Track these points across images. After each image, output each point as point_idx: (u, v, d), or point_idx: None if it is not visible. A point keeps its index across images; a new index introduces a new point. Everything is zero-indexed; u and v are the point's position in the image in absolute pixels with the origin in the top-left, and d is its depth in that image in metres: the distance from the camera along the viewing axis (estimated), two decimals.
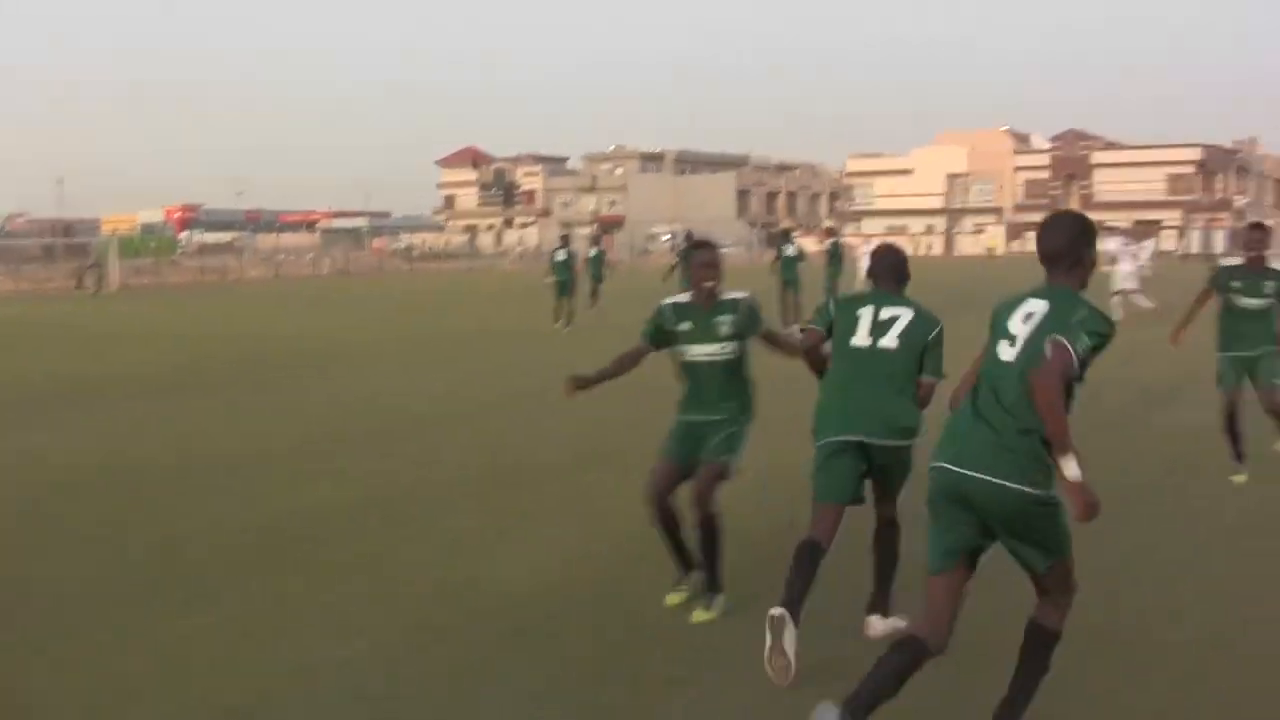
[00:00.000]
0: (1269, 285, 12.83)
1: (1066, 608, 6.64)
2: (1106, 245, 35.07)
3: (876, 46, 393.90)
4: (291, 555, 10.58)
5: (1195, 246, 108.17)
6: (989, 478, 6.25)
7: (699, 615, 8.76)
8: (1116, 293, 35.54)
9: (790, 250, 34.95)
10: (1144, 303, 35.60)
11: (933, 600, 6.52)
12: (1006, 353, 6.42)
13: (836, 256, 36.89)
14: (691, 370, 9.02)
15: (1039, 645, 6.63)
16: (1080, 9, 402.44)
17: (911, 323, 8.20)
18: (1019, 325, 6.42)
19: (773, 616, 7.56)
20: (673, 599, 9.10)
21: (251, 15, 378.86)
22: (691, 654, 8.07)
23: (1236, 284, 13.02)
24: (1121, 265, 36.77)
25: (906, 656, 6.34)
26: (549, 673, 7.78)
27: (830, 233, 41.97)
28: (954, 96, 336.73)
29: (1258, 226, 13.36)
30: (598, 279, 38.85)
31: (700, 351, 8.88)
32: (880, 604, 8.51)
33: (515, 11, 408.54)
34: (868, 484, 8.32)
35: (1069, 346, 6.15)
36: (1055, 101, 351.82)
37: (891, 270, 8.57)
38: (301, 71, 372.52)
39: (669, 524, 9.00)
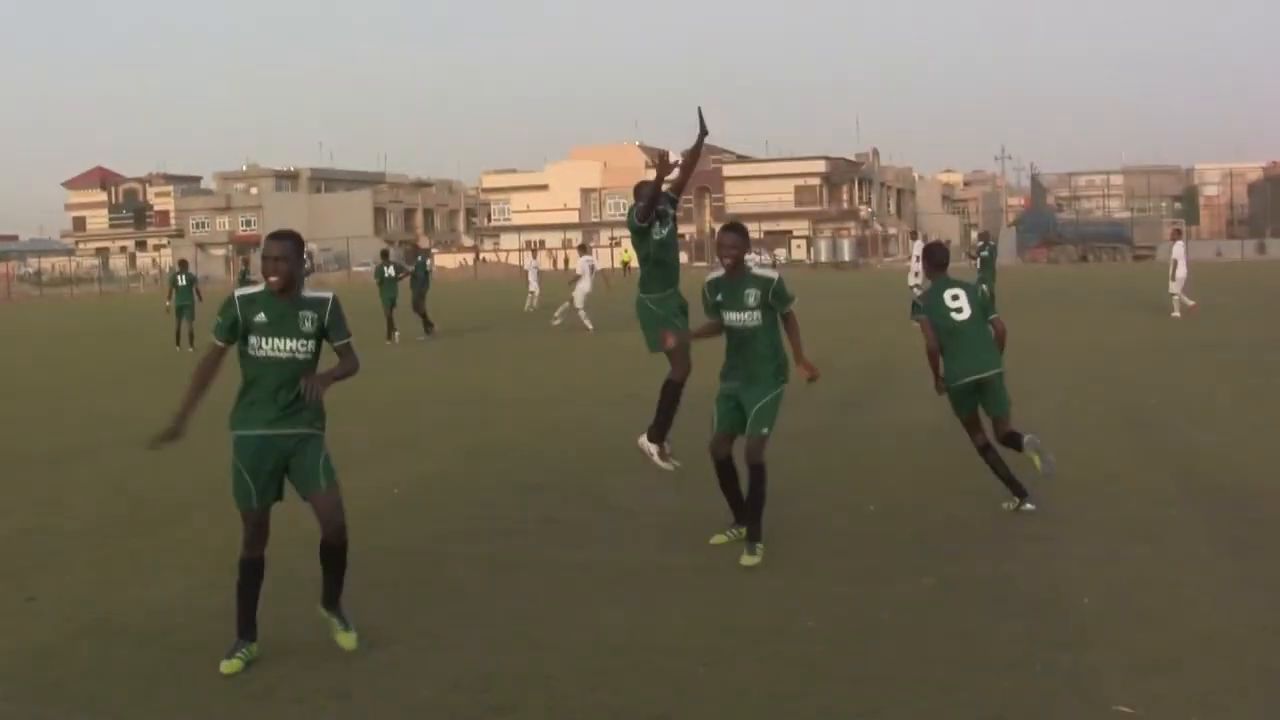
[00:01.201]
0: (751, 295, 10.42)
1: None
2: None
3: (509, 62, 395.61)
4: None
5: (824, 255, 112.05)
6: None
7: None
8: None
9: (389, 271, 38.20)
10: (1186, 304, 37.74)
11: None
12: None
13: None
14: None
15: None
16: (714, 30, 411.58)
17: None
18: None
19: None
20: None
21: None
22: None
23: (720, 299, 10.62)
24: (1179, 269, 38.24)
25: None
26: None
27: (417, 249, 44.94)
28: (587, 113, 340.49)
29: (730, 228, 10.79)
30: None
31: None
32: None
33: (139, 26, 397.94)
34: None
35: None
36: (687, 118, 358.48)
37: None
38: None
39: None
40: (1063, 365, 24.51)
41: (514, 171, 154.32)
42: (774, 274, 10.68)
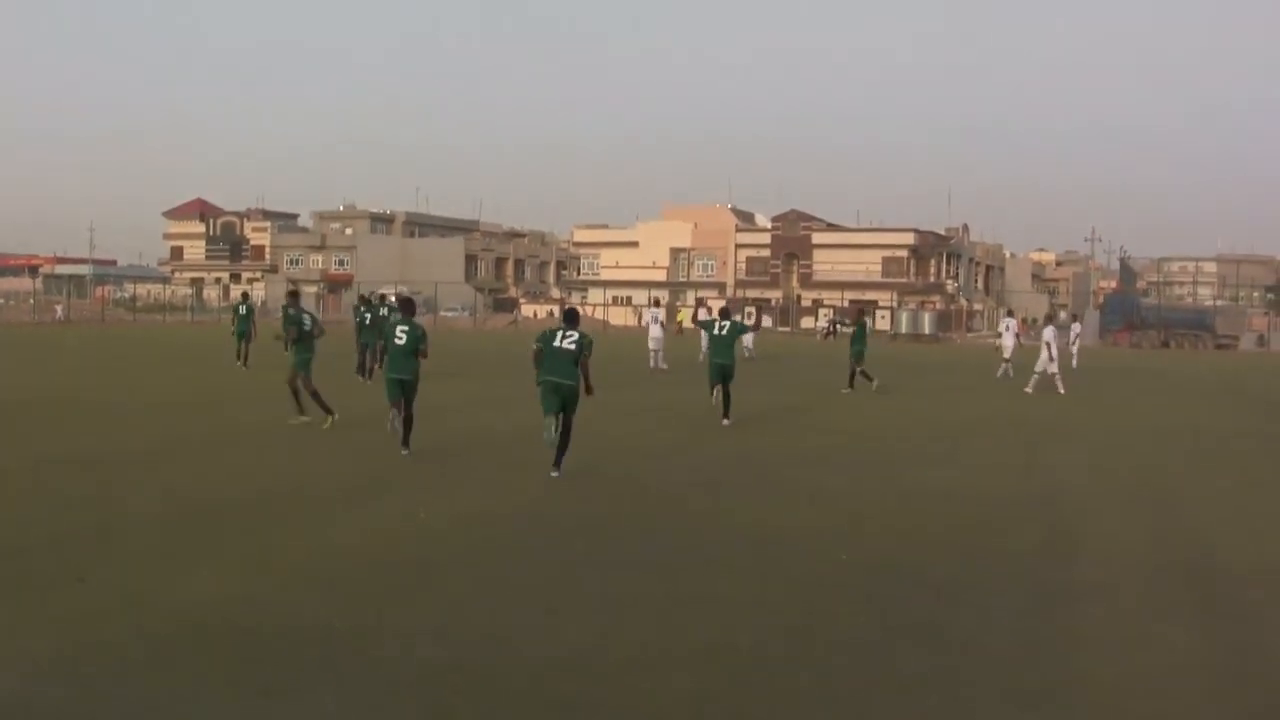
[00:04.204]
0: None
1: None
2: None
3: (607, 118, 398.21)
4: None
5: (905, 326, 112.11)
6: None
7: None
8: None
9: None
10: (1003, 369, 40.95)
11: None
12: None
13: None
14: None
15: None
16: (811, 96, 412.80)
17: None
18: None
19: None
20: None
21: None
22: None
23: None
24: (1006, 339, 42.50)
25: None
26: None
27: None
28: (680, 172, 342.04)
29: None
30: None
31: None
32: None
33: (249, 65, 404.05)
34: None
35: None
36: (779, 183, 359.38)
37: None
38: (28, 114, 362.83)
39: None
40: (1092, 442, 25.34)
41: (605, 227, 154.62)
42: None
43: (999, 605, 11.52)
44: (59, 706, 8.27)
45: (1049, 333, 41.02)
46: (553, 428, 18.57)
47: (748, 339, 48.89)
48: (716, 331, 28.87)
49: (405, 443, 21.18)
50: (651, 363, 47.28)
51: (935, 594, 11.82)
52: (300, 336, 25.24)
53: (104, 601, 10.80)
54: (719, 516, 15.95)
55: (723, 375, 28.19)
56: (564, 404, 18.75)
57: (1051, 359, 39.89)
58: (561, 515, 15.75)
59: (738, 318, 36.46)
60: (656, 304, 45.60)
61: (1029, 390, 38.36)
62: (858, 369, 37.30)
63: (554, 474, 18.67)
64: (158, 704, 8.31)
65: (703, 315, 39.73)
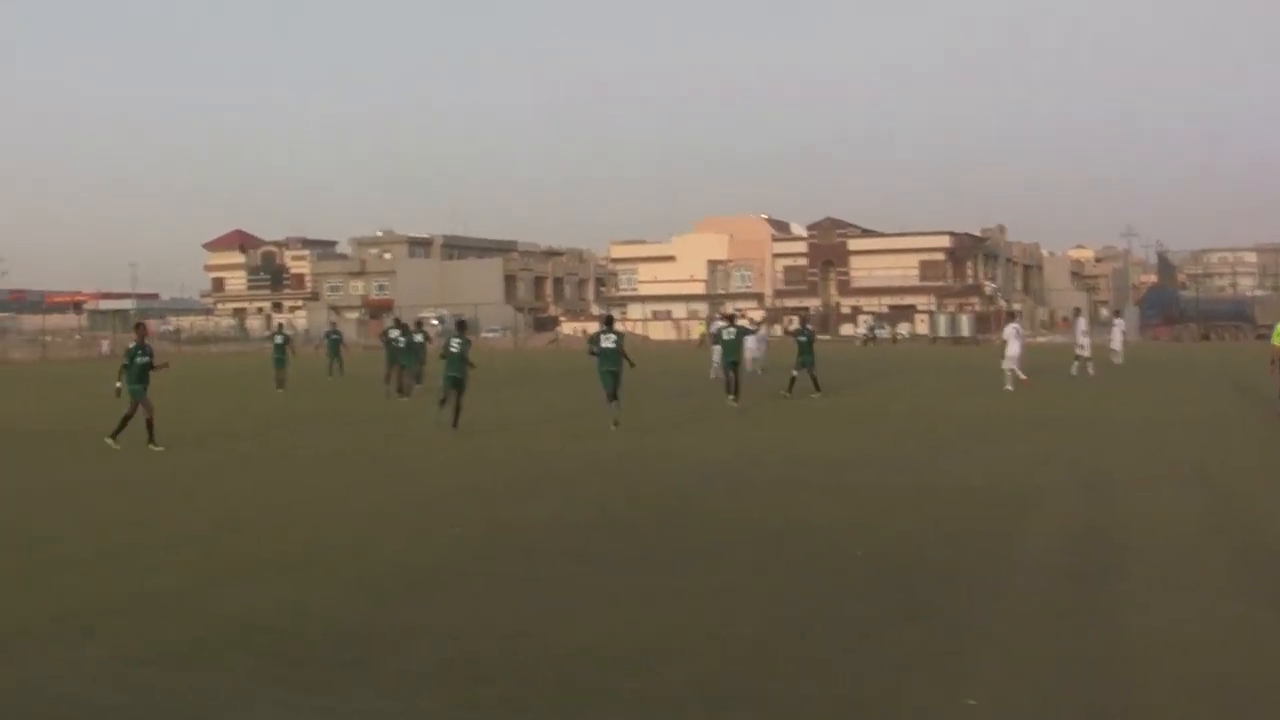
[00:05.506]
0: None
1: None
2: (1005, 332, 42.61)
3: (640, 132, 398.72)
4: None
5: (943, 330, 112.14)
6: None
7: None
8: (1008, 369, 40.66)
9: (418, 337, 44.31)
10: (1019, 377, 40.37)
11: None
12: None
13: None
14: None
15: None
16: (844, 103, 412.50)
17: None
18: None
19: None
20: None
21: (10, 86, 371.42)
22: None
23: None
24: (1010, 347, 41.25)
25: None
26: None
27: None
28: (714, 184, 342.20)
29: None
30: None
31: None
32: None
33: (281, 95, 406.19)
34: None
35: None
36: (812, 190, 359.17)
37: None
38: (66, 148, 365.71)
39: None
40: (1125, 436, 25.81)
41: (642, 242, 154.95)
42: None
43: (1012, 589, 12.04)
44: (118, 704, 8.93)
45: (1083, 323, 47.24)
46: (610, 398, 29.42)
47: (758, 351, 50.57)
48: (725, 337, 37.36)
49: (454, 424, 28.80)
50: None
51: (943, 580, 12.32)
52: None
53: (159, 609, 11.60)
54: (738, 513, 16.59)
55: (733, 366, 36.67)
56: (615, 382, 29.47)
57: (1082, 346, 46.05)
58: (581, 518, 16.45)
59: (742, 322, 41.71)
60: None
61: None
62: (803, 374, 38.84)
63: (614, 420, 29.04)
64: (208, 700, 8.97)
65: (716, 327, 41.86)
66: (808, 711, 8.54)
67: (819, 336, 46.19)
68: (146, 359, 26.85)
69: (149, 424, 26.32)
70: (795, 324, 52.69)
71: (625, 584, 12.32)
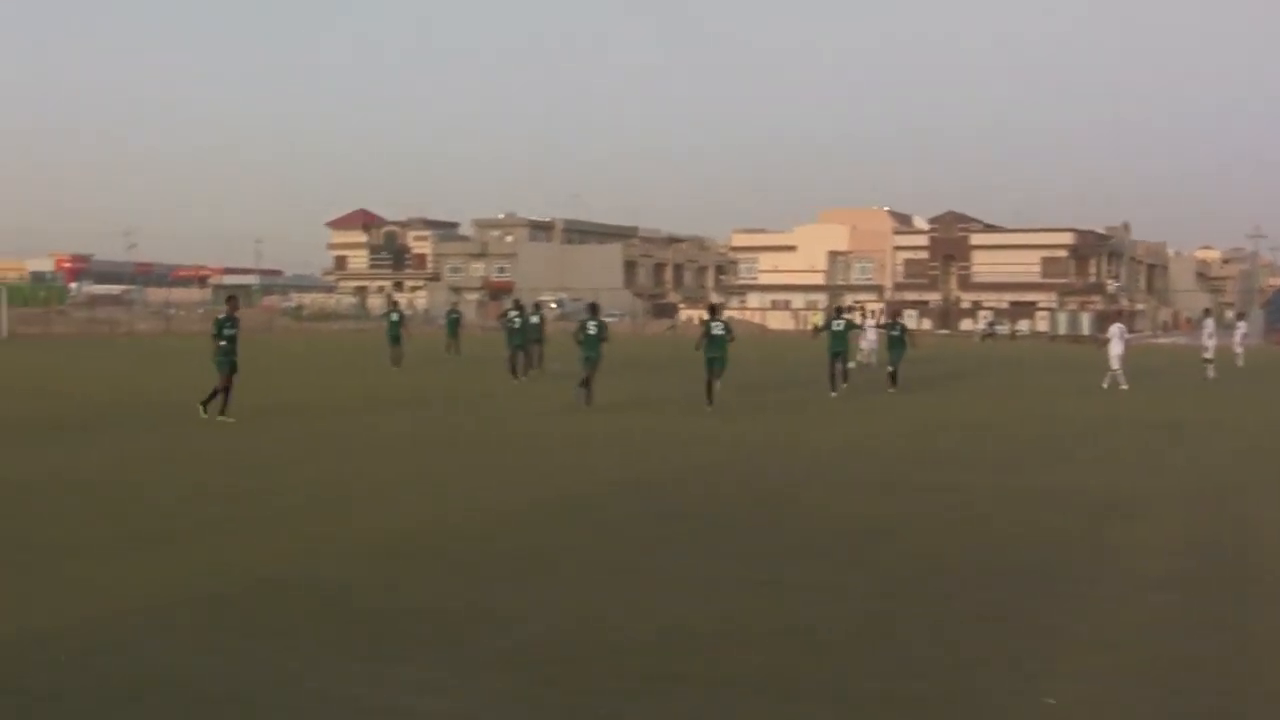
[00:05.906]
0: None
1: None
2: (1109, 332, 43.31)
3: (763, 122, 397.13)
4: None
5: (1063, 328, 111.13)
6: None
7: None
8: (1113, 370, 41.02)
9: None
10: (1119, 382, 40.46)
11: None
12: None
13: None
14: None
15: None
16: (967, 97, 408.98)
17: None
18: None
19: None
20: None
21: (143, 66, 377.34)
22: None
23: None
24: (1113, 347, 41.67)
25: None
26: None
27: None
28: (836, 176, 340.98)
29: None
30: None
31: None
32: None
33: (408, 76, 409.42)
34: None
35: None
36: (936, 183, 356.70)
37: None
38: (196, 126, 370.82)
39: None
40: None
41: (763, 231, 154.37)
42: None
43: (1087, 594, 11.99)
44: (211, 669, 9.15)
45: (1210, 325, 48.36)
46: (710, 382, 30.97)
47: (872, 344, 53.31)
48: (835, 328, 37.87)
49: (588, 401, 31.00)
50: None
51: (1038, 583, 12.29)
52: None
53: (245, 578, 11.88)
54: (842, 509, 16.70)
55: (838, 357, 37.23)
56: (721, 367, 31.22)
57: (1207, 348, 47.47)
58: (668, 504, 16.60)
59: (850, 316, 41.48)
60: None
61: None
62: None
63: (709, 402, 30.66)
64: (296, 668, 9.18)
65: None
66: (880, 705, 8.58)
67: (938, 331, 46.43)
68: (233, 331, 27.55)
69: (225, 394, 27.05)
70: (885, 319, 52.45)
71: (717, 572, 12.43)
